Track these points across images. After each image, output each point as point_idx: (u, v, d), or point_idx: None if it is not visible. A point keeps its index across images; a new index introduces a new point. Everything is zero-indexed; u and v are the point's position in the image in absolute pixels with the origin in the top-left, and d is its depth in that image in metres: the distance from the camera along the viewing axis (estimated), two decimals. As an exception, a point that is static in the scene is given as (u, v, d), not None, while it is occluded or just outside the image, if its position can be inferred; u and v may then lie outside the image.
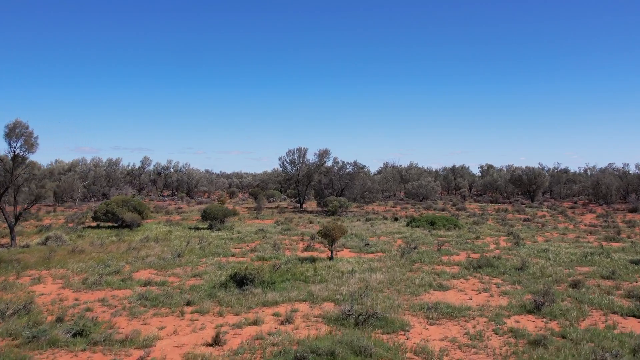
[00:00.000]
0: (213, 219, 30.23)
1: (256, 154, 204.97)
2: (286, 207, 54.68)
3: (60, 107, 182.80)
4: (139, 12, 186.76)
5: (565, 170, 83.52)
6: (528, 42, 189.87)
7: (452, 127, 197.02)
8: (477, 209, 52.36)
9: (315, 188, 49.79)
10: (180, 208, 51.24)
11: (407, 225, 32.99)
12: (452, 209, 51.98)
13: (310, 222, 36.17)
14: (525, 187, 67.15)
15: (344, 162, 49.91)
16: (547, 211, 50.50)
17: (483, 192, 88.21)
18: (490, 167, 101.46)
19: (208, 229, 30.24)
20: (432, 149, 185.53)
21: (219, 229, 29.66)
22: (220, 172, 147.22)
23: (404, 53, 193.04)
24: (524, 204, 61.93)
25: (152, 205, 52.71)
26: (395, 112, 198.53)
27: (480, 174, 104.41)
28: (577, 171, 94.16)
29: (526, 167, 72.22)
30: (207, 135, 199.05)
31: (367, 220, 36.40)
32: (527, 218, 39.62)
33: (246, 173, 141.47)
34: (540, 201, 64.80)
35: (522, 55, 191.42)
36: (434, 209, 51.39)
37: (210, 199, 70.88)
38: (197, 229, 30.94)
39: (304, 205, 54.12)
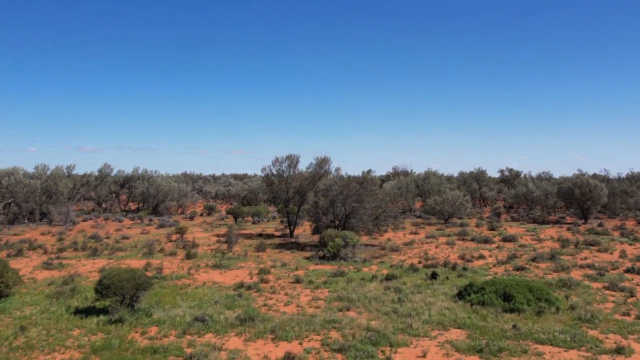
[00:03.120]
0: (115, 295, 16.53)
1: (258, 153, 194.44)
2: (272, 235, 40.98)
3: (62, 107, 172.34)
4: (142, 10, 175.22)
5: (616, 179, 69.70)
6: (528, 41, 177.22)
7: (453, 127, 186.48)
8: (530, 239, 38.50)
9: (310, 213, 36.06)
10: (126, 237, 37.59)
11: (461, 297, 19.21)
12: (496, 238, 38.11)
13: (297, 281, 22.43)
14: (577, 203, 53.22)
15: (349, 176, 36.21)
16: (627, 242, 36.71)
17: (512, 205, 74.20)
18: (516, 174, 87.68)
19: (107, 314, 16.54)
20: (433, 150, 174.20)
21: (119, 320, 15.86)
22: (221, 174, 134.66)
23: (403, 53, 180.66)
24: (579, 225, 48.15)
25: (91, 232, 39.20)
26: (397, 112, 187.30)
27: (500, 179, 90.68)
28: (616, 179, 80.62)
29: (575, 175, 58.38)
30: (210, 135, 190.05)
31: (388, 279, 22.61)
32: (632, 268, 25.78)
33: (246, 174, 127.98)
34: (599, 221, 50.90)
35: (522, 54, 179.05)
36: (473, 239, 37.57)
37: (185, 215, 57.38)
38: (91, 312, 17.27)
39: (295, 232, 40.42)
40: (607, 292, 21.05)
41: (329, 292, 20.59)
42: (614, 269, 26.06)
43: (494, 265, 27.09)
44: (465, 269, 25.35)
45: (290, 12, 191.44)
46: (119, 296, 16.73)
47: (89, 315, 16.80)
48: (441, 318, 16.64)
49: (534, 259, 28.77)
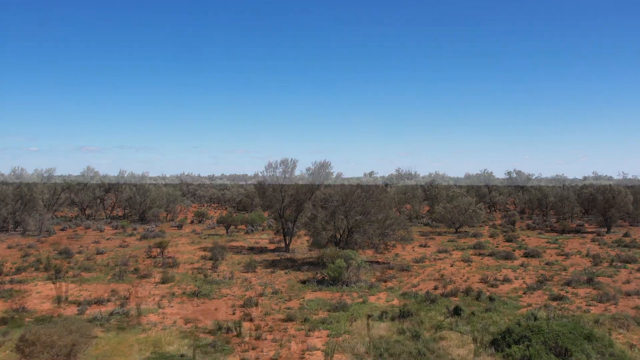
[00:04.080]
0: (43, 354, 12.37)
1: (260, 153, 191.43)
2: (265, 248, 36.79)
3: (64, 106, 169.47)
4: (143, 10, 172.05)
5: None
6: (529, 41, 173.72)
7: (454, 127, 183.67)
8: (555, 253, 34.27)
9: (307, 227, 31.86)
10: (101, 252, 33.42)
11: (497, 347, 14.98)
12: (517, 252, 33.88)
13: (290, 319, 18.23)
14: (599, 210, 48.99)
15: (351, 184, 31.94)
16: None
17: (524, 210, 69.91)
18: (527, 177, 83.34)
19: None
20: (435, 149, 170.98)
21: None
22: (221, 174, 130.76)
23: (403, 53, 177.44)
24: (603, 235, 43.92)
25: (62, 246, 35.03)
26: (398, 112, 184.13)
27: (508, 181, 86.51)
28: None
29: (594, 180, 54.20)
30: (212, 134, 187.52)
31: (401, 315, 18.37)
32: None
33: (245, 175, 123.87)
34: (624, 230, 46.63)
35: (524, 53, 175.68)
36: (491, 254, 33.35)
37: (174, 223, 53.19)
38: (14, 372, 13.13)
39: (291, 245, 36.23)
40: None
41: (328, 335, 16.41)
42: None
43: (524, 293, 22.85)
44: (492, 298, 21.13)
45: (291, 12, 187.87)
46: (48, 355, 12.55)
47: (8, 380, 12.65)
48: (478, 386, 12.44)
49: (568, 283, 24.54)
